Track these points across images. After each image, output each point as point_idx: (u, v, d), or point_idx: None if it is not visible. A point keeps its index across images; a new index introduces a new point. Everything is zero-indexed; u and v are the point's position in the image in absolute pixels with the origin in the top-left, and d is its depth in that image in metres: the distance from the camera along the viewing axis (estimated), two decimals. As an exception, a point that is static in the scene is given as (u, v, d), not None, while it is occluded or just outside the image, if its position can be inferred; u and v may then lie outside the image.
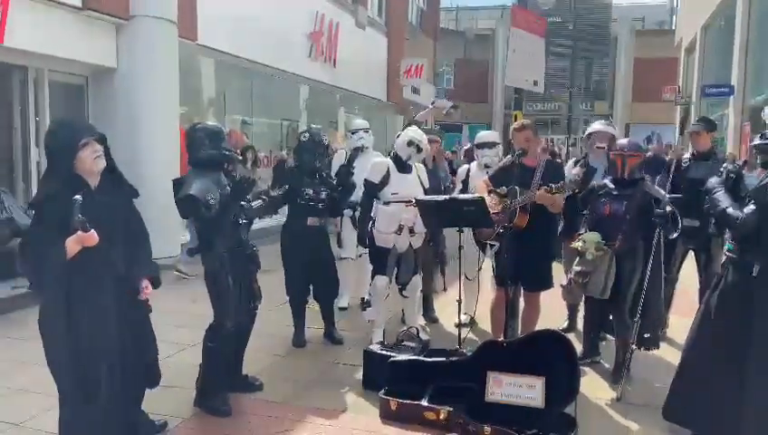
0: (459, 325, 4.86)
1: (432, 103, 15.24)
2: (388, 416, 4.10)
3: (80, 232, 2.95)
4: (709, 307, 3.73)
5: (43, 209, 3.11)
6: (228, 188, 4.08)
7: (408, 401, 4.08)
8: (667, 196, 4.69)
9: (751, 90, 15.66)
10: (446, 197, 5.03)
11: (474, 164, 6.10)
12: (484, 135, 6.25)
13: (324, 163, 5.69)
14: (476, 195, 4.73)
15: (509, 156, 4.98)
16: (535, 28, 16.38)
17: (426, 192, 5.27)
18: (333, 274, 5.57)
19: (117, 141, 3.36)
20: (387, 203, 5.17)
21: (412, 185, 5.21)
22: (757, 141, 3.81)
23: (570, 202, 4.93)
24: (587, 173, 5.53)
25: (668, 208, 4.45)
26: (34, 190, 7.40)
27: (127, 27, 8.18)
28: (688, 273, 5.80)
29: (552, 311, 5.36)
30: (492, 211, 4.54)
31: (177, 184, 4.09)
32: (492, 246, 5.05)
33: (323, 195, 5.33)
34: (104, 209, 3.12)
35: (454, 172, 6.90)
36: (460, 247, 4.72)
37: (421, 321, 5.98)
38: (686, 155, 5.77)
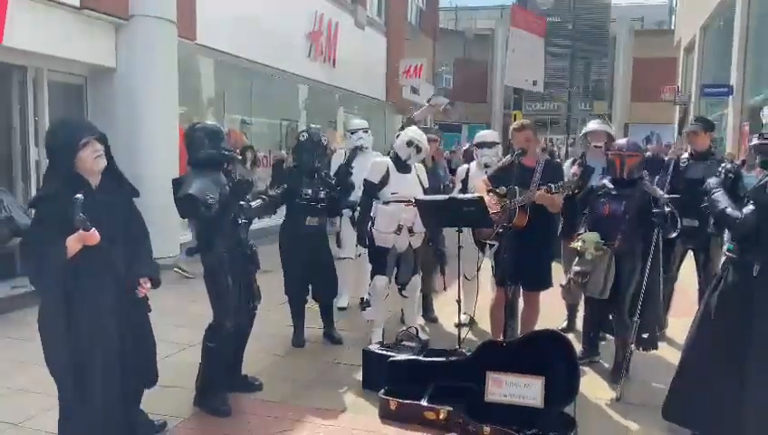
0: (459, 325, 4.86)
1: (428, 101, 15.24)
2: (387, 416, 4.10)
3: (81, 231, 2.95)
4: (709, 307, 3.73)
5: (44, 209, 3.11)
6: (228, 187, 4.08)
7: (408, 401, 4.08)
8: (666, 196, 4.69)
9: (750, 90, 15.66)
10: (446, 197, 5.03)
11: (473, 164, 6.10)
12: (483, 135, 6.25)
13: (323, 163, 5.69)
14: (476, 195, 4.73)
15: (508, 156, 4.98)
16: (535, 28, 16.40)
17: (425, 192, 5.27)
18: (332, 274, 5.57)
19: (116, 141, 3.35)
20: (386, 203, 5.17)
21: (412, 185, 5.21)
22: (755, 142, 3.82)
23: (569, 202, 4.94)
24: (584, 172, 5.55)
25: (667, 208, 4.46)
26: (33, 190, 7.40)
27: (126, 27, 8.16)
28: (687, 272, 5.80)
29: (551, 311, 5.36)
30: (491, 211, 4.55)
31: (177, 184, 4.09)
32: (491, 245, 5.06)
33: (322, 195, 5.33)
34: (105, 209, 3.13)
35: (452, 172, 6.90)
36: (459, 247, 4.72)
37: (420, 321, 5.98)
38: (685, 155, 5.78)
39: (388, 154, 5.71)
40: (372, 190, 5.22)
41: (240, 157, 8.67)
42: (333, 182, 5.53)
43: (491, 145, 5.97)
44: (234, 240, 4.12)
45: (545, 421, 3.79)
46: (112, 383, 3.20)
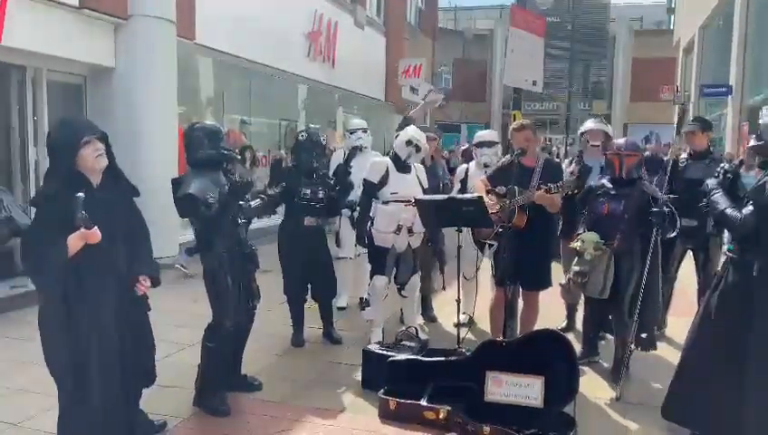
0: (458, 325, 4.87)
1: (424, 98, 15.21)
2: (387, 416, 4.10)
3: (82, 229, 2.96)
4: (709, 307, 3.73)
5: (45, 207, 3.11)
6: (227, 187, 4.08)
7: (408, 401, 4.08)
8: (665, 196, 4.69)
9: (749, 89, 15.68)
10: (445, 196, 5.03)
11: (472, 163, 6.11)
12: (483, 134, 6.26)
13: (322, 163, 5.68)
14: (475, 195, 4.73)
15: (508, 155, 4.98)
16: (534, 28, 16.37)
17: (425, 192, 5.27)
18: (331, 273, 5.57)
19: (115, 141, 3.35)
20: (386, 203, 5.17)
21: (411, 185, 5.21)
22: (753, 143, 3.82)
23: (568, 202, 4.94)
24: (582, 171, 5.56)
25: (666, 208, 4.46)
26: (32, 190, 7.40)
27: (125, 27, 8.16)
28: (687, 272, 5.80)
29: (550, 311, 5.36)
30: (490, 211, 4.55)
31: (176, 183, 4.09)
32: (490, 245, 5.06)
33: (321, 195, 5.33)
34: (105, 207, 3.13)
35: (451, 171, 6.91)
36: (459, 247, 4.72)
37: (420, 320, 5.99)
38: (683, 155, 5.78)
39: (388, 154, 5.71)
40: (372, 190, 5.22)
41: (239, 157, 8.66)
42: (332, 182, 5.53)
43: (490, 144, 5.97)
44: (233, 240, 4.12)
45: (545, 421, 3.79)
46: (112, 383, 3.21)
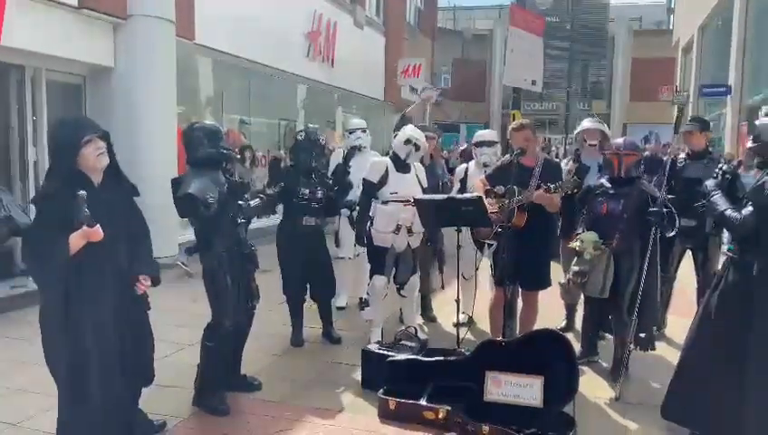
0: (457, 325, 4.87)
1: (419, 95, 15.17)
2: (386, 415, 4.10)
3: (85, 227, 2.96)
4: (709, 307, 3.74)
5: (46, 206, 3.11)
6: (226, 187, 4.08)
7: (407, 401, 4.08)
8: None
9: (748, 90, 15.68)
10: (445, 196, 5.03)
11: (472, 163, 6.11)
12: (483, 134, 6.26)
13: (321, 163, 5.68)
14: (475, 194, 4.73)
15: (507, 155, 4.98)
16: (534, 27, 16.37)
17: (424, 192, 5.27)
18: (330, 273, 5.57)
19: (114, 141, 3.35)
20: (385, 202, 5.17)
21: (411, 184, 5.21)
22: (750, 144, 3.83)
23: (567, 202, 4.94)
24: (579, 169, 5.58)
25: (665, 207, 4.46)
26: (31, 190, 7.40)
27: (124, 26, 8.16)
28: (686, 272, 5.81)
29: (549, 310, 5.36)
30: (489, 211, 4.55)
31: (176, 183, 4.08)
32: (490, 245, 5.06)
33: (319, 194, 5.33)
34: (106, 206, 3.13)
35: (450, 171, 6.91)
36: (458, 247, 4.72)
37: (419, 320, 5.99)
38: (682, 155, 5.79)
39: (387, 154, 5.71)
40: (371, 190, 5.22)
41: (239, 156, 8.66)
42: (331, 182, 5.53)
43: (490, 144, 5.97)
44: (233, 240, 4.12)
45: (544, 421, 3.79)
46: (112, 382, 3.21)
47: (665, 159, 5.35)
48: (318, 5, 13.88)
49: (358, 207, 5.52)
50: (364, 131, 6.56)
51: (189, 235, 4.78)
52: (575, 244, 4.64)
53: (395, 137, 5.52)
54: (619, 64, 31.68)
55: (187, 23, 9.22)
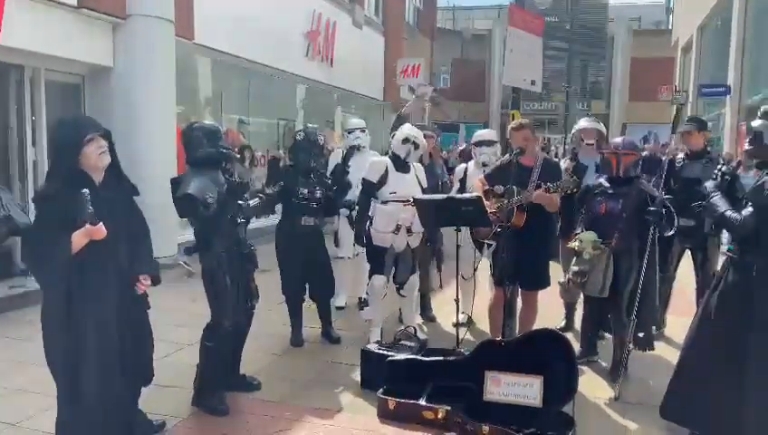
0: (457, 325, 4.87)
1: (414, 93, 15.16)
2: (386, 415, 4.10)
3: (88, 225, 2.96)
4: (709, 307, 3.74)
5: (47, 206, 3.11)
6: (226, 187, 4.08)
7: (406, 401, 4.08)
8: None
9: (747, 89, 15.69)
10: (444, 196, 5.03)
11: (471, 163, 6.11)
12: (482, 133, 6.26)
13: (320, 162, 5.67)
14: (474, 194, 4.73)
15: (507, 155, 4.99)
16: (533, 27, 16.39)
17: (424, 192, 5.27)
18: (329, 273, 5.56)
19: (113, 140, 3.36)
20: (385, 202, 5.17)
21: (410, 184, 5.21)
22: (747, 147, 3.83)
23: (566, 202, 4.94)
24: (577, 168, 5.60)
25: (664, 206, 4.47)
26: (30, 190, 7.40)
27: (123, 26, 8.15)
28: (685, 272, 5.81)
29: (549, 310, 5.36)
30: (488, 210, 4.55)
31: (176, 183, 4.08)
32: (489, 245, 5.06)
33: (318, 194, 5.32)
34: (108, 205, 3.13)
35: (450, 171, 6.91)
36: (458, 247, 4.72)
37: (419, 320, 5.98)
38: (680, 155, 5.80)
39: (387, 154, 5.70)
40: (371, 190, 5.22)
41: (238, 156, 8.66)
42: (330, 182, 5.53)
43: (489, 144, 5.97)
44: (232, 240, 4.12)
45: (544, 421, 3.79)
46: (112, 382, 3.20)
47: (663, 159, 5.36)
48: (317, 5, 13.87)
49: (357, 207, 5.52)
50: (363, 131, 6.56)
51: (188, 235, 4.79)
52: (574, 244, 4.64)
53: (392, 137, 5.51)
54: (619, 64, 31.72)
55: (186, 22, 9.22)
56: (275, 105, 13.55)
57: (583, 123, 6.05)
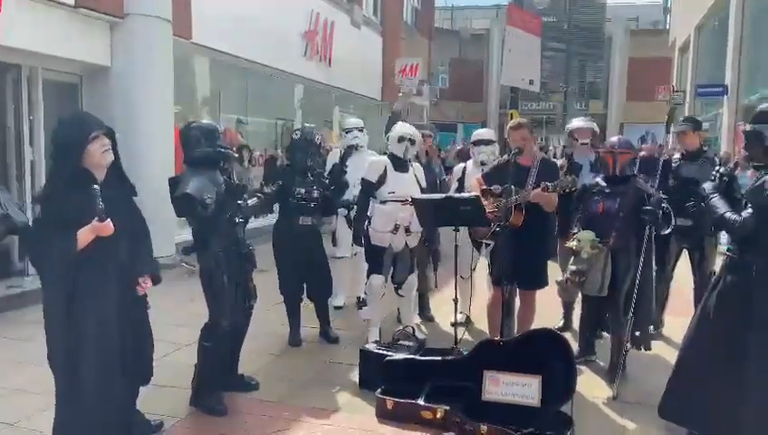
0: (455, 324, 4.86)
1: (399, 92, 15.15)
2: (384, 415, 4.10)
3: (95, 221, 2.96)
4: (707, 307, 3.74)
5: (51, 204, 3.11)
6: (224, 186, 4.08)
7: (405, 401, 4.07)
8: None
9: (744, 89, 15.71)
10: (443, 196, 5.03)
11: (470, 162, 6.11)
12: (480, 132, 6.27)
13: (317, 162, 5.67)
14: (472, 194, 4.73)
15: (505, 155, 4.99)
16: (531, 27, 16.43)
17: (423, 191, 5.27)
18: (327, 273, 5.56)
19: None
20: (383, 202, 5.16)
21: (409, 184, 5.20)
22: (743, 152, 3.85)
23: (563, 201, 4.94)
24: (571, 167, 5.62)
25: (662, 205, 4.48)
26: (28, 189, 7.39)
27: (121, 25, 8.14)
28: (683, 272, 5.81)
29: (547, 310, 5.36)
30: (486, 210, 4.55)
31: (174, 183, 4.07)
32: (487, 244, 5.06)
33: (315, 194, 5.32)
34: (110, 204, 3.12)
35: (447, 170, 6.92)
36: (456, 246, 4.72)
37: (417, 320, 5.98)
38: (676, 155, 5.82)
39: (385, 154, 5.70)
40: (370, 189, 5.22)
41: (236, 155, 8.65)
42: (327, 181, 5.52)
43: (487, 143, 5.97)
44: (230, 239, 4.11)
45: (542, 420, 3.79)
46: (112, 381, 3.20)
47: (661, 159, 5.38)
48: (315, 5, 13.86)
49: (355, 207, 5.52)
50: (361, 131, 6.56)
51: (186, 234, 4.78)
52: (572, 243, 4.64)
53: (387, 139, 5.51)
54: (616, 64, 31.75)
55: (184, 22, 9.21)
56: (273, 105, 13.55)
57: (577, 123, 6.11)
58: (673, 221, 4.55)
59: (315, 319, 5.59)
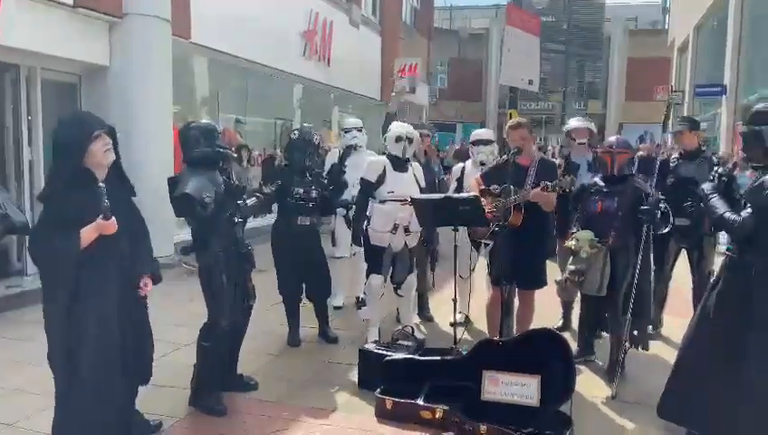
0: (455, 324, 4.86)
1: (392, 91, 15.15)
2: (383, 415, 4.10)
3: (99, 219, 2.96)
4: (707, 307, 3.74)
5: (53, 203, 3.10)
6: (223, 186, 4.07)
7: (404, 400, 4.07)
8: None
9: (743, 89, 15.72)
10: (442, 196, 5.04)
11: (469, 162, 6.11)
12: (479, 132, 6.27)
13: (315, 162, 5.67)
14: (471, 193, 4.73)
15: (505, 155, 4.99)
16: (530, 27, 16.44)
17: (422, 191, 5.27)
18: (325, 273, 5.56)
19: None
20: (382, 202, 5.17)
21: (408, 184, 5.20)
22: (742, 154, 3.85)
23: (561, 201, 4.95)
24: (568, 167, 5.62)
25: (661, 204, 4.49)
26: (27, 189, 7.38)
27: (120, 25, 8.14)
28: (682, 272, 5.81)
29: (546, 309, 5.37)
30: (486, 210, 4.55)
31: (173, 182, 4.07)
32: (486, 244, 5.06)
33: (314, 194, 5.32)
34: (112, 203, 3.12)
35: (446, 170, 6.92)
36: (455, 246, 4.72)
37: (416, 320, 5.98)
38: (674, 155, 5.82)
39: (384, 154, 5.70)
40: (369, 189, 5.22)
41: (235, 155, 8.63)
42: (326, 181, 5.52)
43: (486, 142, 5.97)
44: (229, 239, 4.11)
45: (541, 420, 3.79)
46: (113, 380, 3.20)
47: (659, 159, 5.38)
48: (314, 4, 13.85)
49: (354, 207, 5.52)
50: (360, 131, 6.56)
51: (185, 234, 4.77)
52: (571, 243, 4.65)
53: (385, 140, 5.51)
54: (615, 64, 31.77)
55: (182, 22, 9.20)
56: (272, 105, 13.54)
57: (574, 123, 6.14)
58: (671, 221, 4.55)
59: (314, 319, 5.59)
